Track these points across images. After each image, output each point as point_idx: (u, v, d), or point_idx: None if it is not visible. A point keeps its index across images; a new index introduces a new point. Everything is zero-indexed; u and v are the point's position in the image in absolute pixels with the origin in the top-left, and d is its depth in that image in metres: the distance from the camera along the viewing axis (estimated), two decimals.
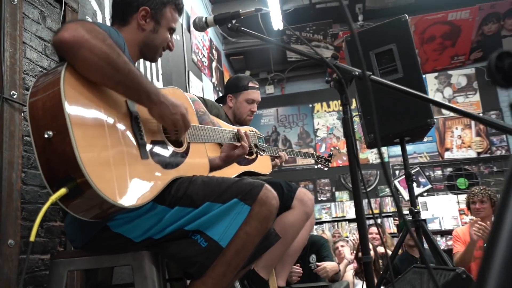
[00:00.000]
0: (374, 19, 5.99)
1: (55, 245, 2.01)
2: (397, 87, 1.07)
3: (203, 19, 1.46)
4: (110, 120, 1.15)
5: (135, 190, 1.12)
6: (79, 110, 1.06)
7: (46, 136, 1.00)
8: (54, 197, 0.99)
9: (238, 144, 1.84)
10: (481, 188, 3.68)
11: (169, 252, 1.26)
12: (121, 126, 1.18)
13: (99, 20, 2.81)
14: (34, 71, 2.03)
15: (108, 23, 2.70)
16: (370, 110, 2.63)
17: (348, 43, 2.78)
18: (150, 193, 1.18)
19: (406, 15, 2.71)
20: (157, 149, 1.29)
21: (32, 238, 0.97)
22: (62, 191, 0.99)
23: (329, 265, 3.19)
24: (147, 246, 1.26)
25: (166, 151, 1.35)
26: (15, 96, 1.82)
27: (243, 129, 2.35)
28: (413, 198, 2.72)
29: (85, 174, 0.98)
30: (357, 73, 1.10)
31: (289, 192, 2.26)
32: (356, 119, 4.03)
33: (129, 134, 1.19)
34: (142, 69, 3.32)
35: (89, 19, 2.67)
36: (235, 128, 2.01)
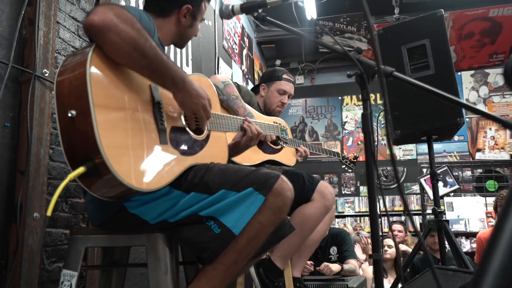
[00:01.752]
0: (411, 12, 5.83)
1: (78, 221, 2.08)
2: (418, 84, 1.05)
3: (230, 7, 1.46)
4: (132, 104, 1.17)
5: (151, 174, 1.14)
6: (103, 92, 1.08)
7: (69, 115, 1.04)
8: (72, 175, 1.03)
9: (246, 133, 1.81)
10: None
11: (183, 236, 1.28)
12: (142, 111, 1.20)
13: (133, 3, 2.84)
14: (66, 50, 2.08)
15: (141, 7, 2.74)
16: (398, 106, 2.58)
17: (380, 36, 2.73)
18: (166, 178, 1.21)
19: (442, 10, 2.62)
20: (177, 135, 1.31)
21: (49, 213, 1.01)
22: (81, 169, 1.02)
23: (333, 266, 3.18)
24: (161, 228, 1.29)
25: (186, 138, 1.36)
26: (46, 74, 1.87)
27: (267, 119, 2.35)
28: (437, 198, 2.67)
29: (103, 155, 1.01)
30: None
31: (311, 184, 2.26)
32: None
33: (149, 119, 1.22)
34: (172, 54, 3.35)
35: (123, 2, 2.71)
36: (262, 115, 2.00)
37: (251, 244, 1.27)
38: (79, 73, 1.07)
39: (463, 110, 2.54)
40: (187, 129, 1.39)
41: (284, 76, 2.68)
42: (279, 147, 2.50)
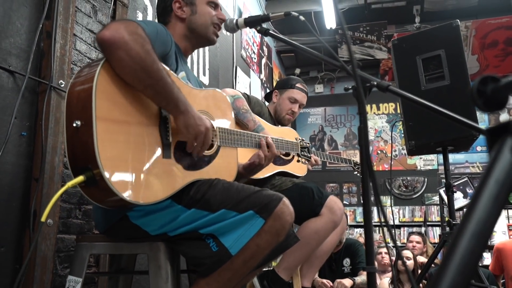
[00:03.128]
0: (432, 21, 5.77)
1: (91, 228, 2.13)
2: (414, 98, 1.05)
3: (234, 21, 1.49)
4: (138, 118, 1.20)
5: (149, 188, 1.17)
6: (107, 106, 1.12)
7: (75, 125, 1.09)
8: (71, 183, 1.07)
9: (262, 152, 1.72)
10: None
11: (182, 249, 1.31)
12: (147, 125, 1.23)
13: (149, 15, 2.90)
14: (83, 62, 2.14)
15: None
16: (412, 117, 2.57)
17: (394, 46, 2.72)
18: (165, 192, 1.23)
19: (458, 20, 2.60)
20: (181, 150, 1.32)
21: (43, 218, 1.05)
22: (79, 178, 1.07)
23: (346, 282, 3.15)
24: (162, 240, 1.31)
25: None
26: (62, 85, 1.94)
27: (279, 131, 2.33)
28: (452, 210, 2.65)
29: (100, 166, 1.05)
30: (375, 83, 1.09)
31: (320, 199, 2.25)
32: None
33: (154, 133, 1.24)
34: (188, 63, 3.40)
35: (140, 15, 2.77)
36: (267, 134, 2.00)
37: (247, 265, 1.28)
38: (88, 86, 1.11)
39: (485, 120, 2.50)
40: None
41: (298, 85, 2.67)
42: (289, 157, 2.50)
